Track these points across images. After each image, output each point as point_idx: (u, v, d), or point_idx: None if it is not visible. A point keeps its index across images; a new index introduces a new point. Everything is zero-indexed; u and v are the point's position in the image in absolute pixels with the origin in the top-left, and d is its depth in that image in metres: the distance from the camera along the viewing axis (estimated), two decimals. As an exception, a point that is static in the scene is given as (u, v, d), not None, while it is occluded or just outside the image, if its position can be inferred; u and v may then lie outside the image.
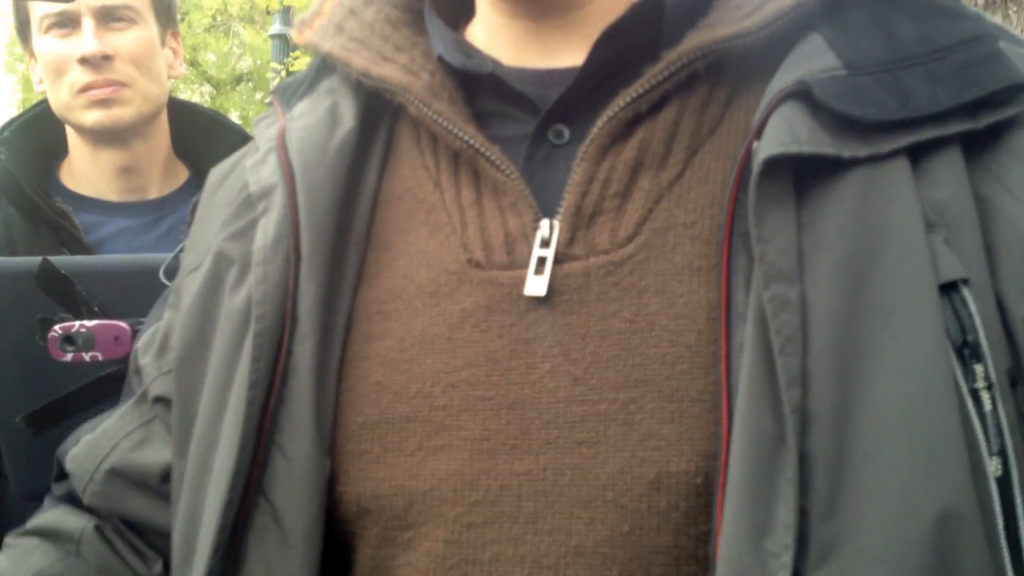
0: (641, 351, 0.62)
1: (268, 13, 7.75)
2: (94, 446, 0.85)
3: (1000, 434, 0.54)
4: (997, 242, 0.58)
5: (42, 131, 1.63)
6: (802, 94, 0.60)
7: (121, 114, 1.54)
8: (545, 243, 0.65)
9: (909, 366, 0.54)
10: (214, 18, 12.23)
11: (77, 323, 1.17)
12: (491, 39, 0.73)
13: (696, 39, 0.66)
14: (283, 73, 7.19)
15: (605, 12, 0.69)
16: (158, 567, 0.83)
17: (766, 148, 0.58)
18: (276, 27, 7.60)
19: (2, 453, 1.29)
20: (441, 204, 0.71)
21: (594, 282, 0.64)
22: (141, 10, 1.58)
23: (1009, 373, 0.55)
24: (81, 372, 1.19)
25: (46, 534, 0.86)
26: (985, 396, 0.54)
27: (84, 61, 1.51)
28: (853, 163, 0.59)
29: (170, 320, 0.82)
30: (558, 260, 0.65)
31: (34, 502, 1.32)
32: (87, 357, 1.17)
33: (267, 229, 0.70)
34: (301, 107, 0.77)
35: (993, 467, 0.53)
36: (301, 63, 7.47)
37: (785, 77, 0.62)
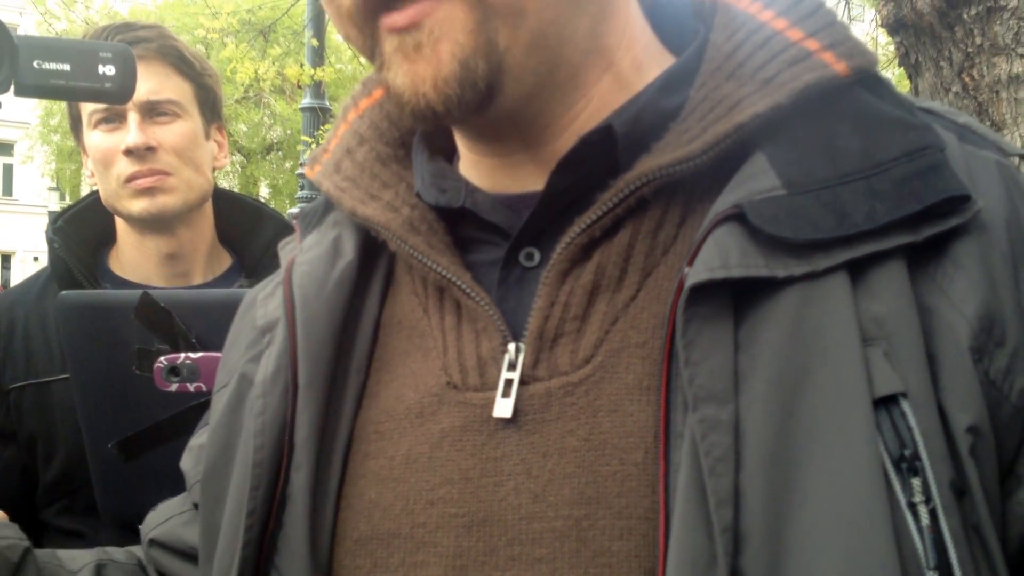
0: (594, 469, 0.63)
1: (299, 87, 7.88)
2: (154, 515, 0.97)
3: (940, 548, 0.54)
4: (939, 353, 0.58)
5: (93, 220, 1.70)
6: (738, 216, 0.61)
7: (166, 202, 1.60)
8: (512, 366, 0.68)
9: (841, 484, 0.55)
10: (246, 91, 12.47)
11: (182, 355, 1.22)
12: (469, 170, 0.77)
13: (643, 165, 0.67)
14: (313, 145, 7.29)
15: (570, 145, 0.70)
16: None
17: (694, 275, 0.60)
18: (307, 100, 7.71)
19: (92, 478, 1.34)
20: (429, 329, 0.74)
21: (555, 402, 0.66)
22: (185, 104, 1.65)
23: (953, 484, 0.56)
24: (171, 402, 1.24)
25: (132, 554, 1.01)
26: (922, 510, 0.55)
27: (129, 152, 1.58)
28: (790, 281, 0.60)
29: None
30: (524, 381, 0.67)
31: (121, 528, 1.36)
32: (191, 388, 1.22)
33: (268, 362, 0.75)
34: (311, 239, 0.82)
35: None
36: (331, 135, 7.57)
37: (726, 199, 0.63)
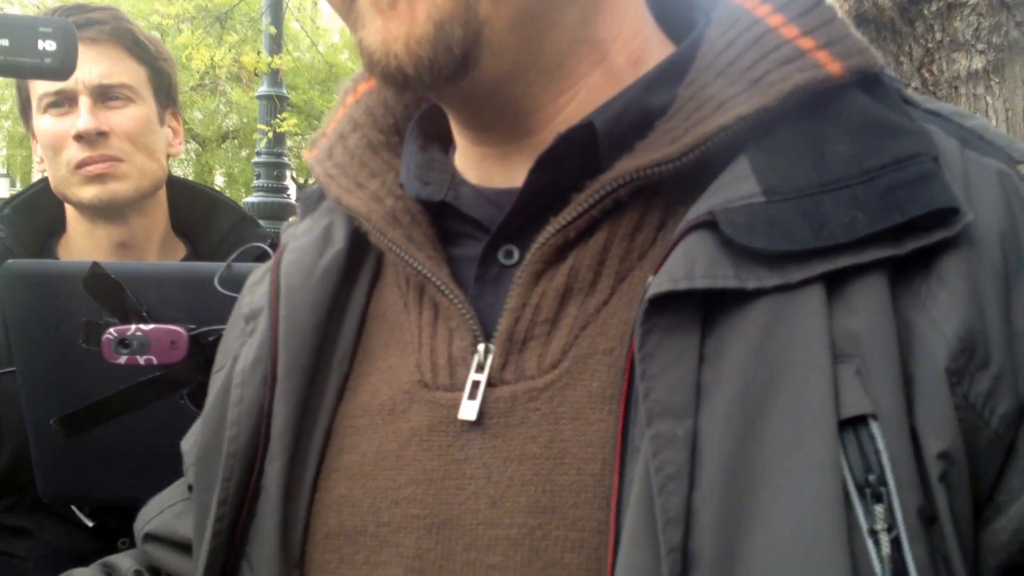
0: (552, 478, 0.61)
1: (256, 75, 7.79)
2: (147, 509, 0.95)
3: None
4: (915, 373, 0.55)
5: (41, 208, 1.65)
6: (711, 224, 0.58)
7: (117, 189, 1.56)
8: (480, 367, 0.66)
9: (798, 507, 0.52)
10: (202, 78, 12.33)
11: (133, 327, 1.17)
12: (462, 160, 0.75)
13: (622, 166, 0.64)
14: (269, 134, 7.22)
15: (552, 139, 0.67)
16: None
17: (655, 285, 0.57)
18: (264, 88, 7.62)
19: (31, 454, 1.30)
20: (407, 324, 0.73)
21: (519, 407, 0.64)
22: (139, 88, 1.60)
23: (922, 512, 0.52)
24: (120, 377, 1.20)
25: (108, 566, 0.96)
26: (884, 538, 0.52)
27: (79, 138, 1.53)
28: (761, 293, 0.57)
29: None
30: (491, 384, 0.66)
31: (60, 504, 1.31)
32: (141, 360, 1.17)
33: (248, 352, 0.74)
34: (304, 225, 0.80)
35: None
36: (288, 124, 7.52)
37: (701, 205, 0.60)
